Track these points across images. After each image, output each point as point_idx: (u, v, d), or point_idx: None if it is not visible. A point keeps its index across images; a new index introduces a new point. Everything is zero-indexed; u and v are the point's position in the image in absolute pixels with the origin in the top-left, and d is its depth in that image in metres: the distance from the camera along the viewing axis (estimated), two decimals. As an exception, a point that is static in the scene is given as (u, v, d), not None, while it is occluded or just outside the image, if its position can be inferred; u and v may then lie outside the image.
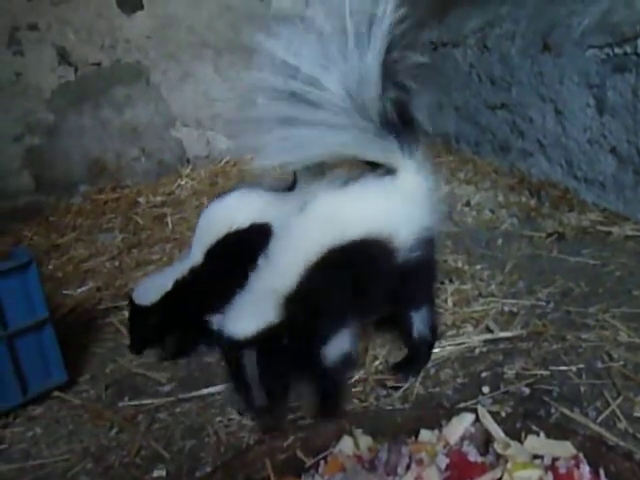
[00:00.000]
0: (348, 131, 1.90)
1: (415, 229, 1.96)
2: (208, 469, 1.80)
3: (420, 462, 1.48)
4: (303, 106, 1.87)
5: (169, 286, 2.29)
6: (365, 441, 1.61)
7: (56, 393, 2.29)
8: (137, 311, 2.31)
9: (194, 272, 2.32)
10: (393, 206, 1.96)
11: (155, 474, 1.85)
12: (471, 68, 3.92)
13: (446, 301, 2.50)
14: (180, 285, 2.31)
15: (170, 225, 3.72)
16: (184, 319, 2.36)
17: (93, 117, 4.45)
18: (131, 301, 2.31)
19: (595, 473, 1.43)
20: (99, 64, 4.40)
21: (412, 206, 1.98)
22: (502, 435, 1.54)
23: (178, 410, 2.14)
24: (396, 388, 2.05)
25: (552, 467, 1.46)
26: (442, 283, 2.63)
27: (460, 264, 2.78)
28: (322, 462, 1.61)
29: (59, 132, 4.39)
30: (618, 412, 1.81)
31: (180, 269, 2.34)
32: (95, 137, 4.50)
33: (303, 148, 1.92)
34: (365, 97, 1.88)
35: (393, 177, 1.98)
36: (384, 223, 1.92)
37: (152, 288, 2.31)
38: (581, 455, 1.46)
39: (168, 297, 2.28)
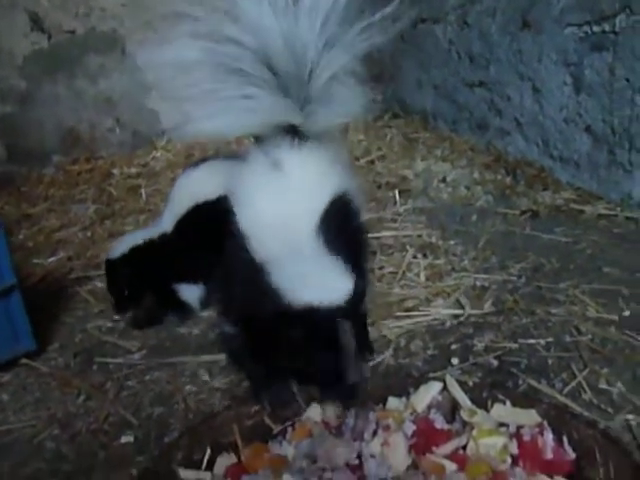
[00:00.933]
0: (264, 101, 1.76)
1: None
2: (176, 435, 1.79)
3: (387, 428, 1.49)
4: (229, 74, 1.76)
5: (138, 242, 2.35)
6: (334, 408, 1.61)
7: (24, 360, 2.26)
8: (108, 265, 2.37)
9: (163, 238, 2.35)
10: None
11: (123, 440, 1.84)
12: (450, 45, 3.90)
13: (419, 275, 2.51)
14: (149, 245, 2.35)
15: (144, 197, 3.68)
16: (152, 281, 2.38)
17: (67, 86, 4.37)
18: (106, 258, 2.38)
19: (559, 440, 1.46)
20: (73, 32, 4.32)
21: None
22: (468, 403, 1.56)
23: (147, 378, 2.12)
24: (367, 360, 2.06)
25: (517, 434, 1.48)
26: (415, 257, 2.64)
27: (434, 239, 2.79)
28: (289, 429, 1.62)
29: (32, 100, 4.30)
30: (584, 384, 1.83)
31: (151, 232, 2.39)
32: (69, 107, 4.41)
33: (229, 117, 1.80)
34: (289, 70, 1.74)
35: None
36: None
37: (123, 244, 2.38)
38: (545, 423, 1.48)
39: (135, 252, 2.33)
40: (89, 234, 3.33)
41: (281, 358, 1.59)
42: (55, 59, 4.29)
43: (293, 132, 1.82)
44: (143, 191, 3.74)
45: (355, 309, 1.53)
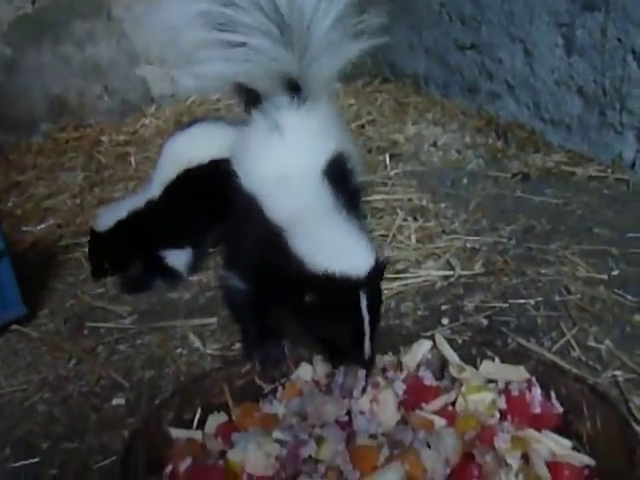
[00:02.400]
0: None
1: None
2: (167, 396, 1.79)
3: (376, 385, 1.50)
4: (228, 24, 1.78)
5: (123, 215, 2.32)
6: (324, 366, 1.62)
7: (14, 327, 2.27)
8: (93, 237, 2.36)
9: (150, 205, 2.34)
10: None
11: (114, 402, 1.85)
12: (441, 7, 3.84)
13: (409, 238, 2.50)
14: (134, 216, 2.33)
15: (133, 164, 3.65)
16: (139, 250, 2.38)
17: (53, 53, 4.29)
18: (91, 228, 2.36)
19: (547, 395, 1.47)
20: (58, -4, 4.23)
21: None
22: (457, 360, 1.57)
23: (138, 342, 2.13)
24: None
25: (505, 390, 1.49)
26: (406, 220, 2.63)
27: (425, 202, 2.78)
28: (280, 388, 1.62)
29: (18, 68, 4.23)
30: (573, 342, 1.85)
31: (137, 200, 2.37)
32: (56, 74, 4.34)
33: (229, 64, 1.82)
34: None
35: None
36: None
37: (109, 216, 2.35)
38: (533, 378, 1.50)
39: (121, 226, 2.31)
40: (78, 201, 3.30)
41: (292, 321, 1.61)
42: (40, 25, 4.21)
43: (291, 88, 1.82)
44: (132, 158, 3.70)
45: (375, 281, 1.53)
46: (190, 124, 2.48)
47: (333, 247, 1.49)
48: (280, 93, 1.83)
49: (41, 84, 4.31)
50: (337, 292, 1.43)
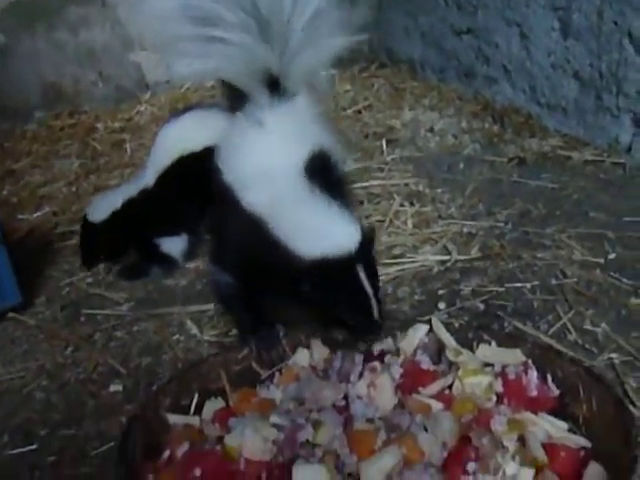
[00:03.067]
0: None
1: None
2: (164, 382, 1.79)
3: (373, 370, 1.50)
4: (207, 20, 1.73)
5: (118, 205, 2.32)
6: (322, 352, 1.62)
7: (11, 314, 2.27)
8: (86, 227, 2.36)
9: (144, 193, 2.33)
10: None
11: (112, 389, 1.85)
12: (438, -9, 3.83)
13: (406, 223, 2.50)
14: (128, 205, 2.33)
15: (129, 151, 3.63)
16: (133, 239, 2.39)
17: (47, 39, 4.25)
18: (84, 217, 2.35)
19: (543, 378, 1.47)
20: (51, -19, 4.19)
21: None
22: (454, 343, 1.57)
23: (135, 329, 2.13)
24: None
25: (502, 373, 1.50)
26: (402, 206, 2.63)
27: (421, 187, 2.78)
28: (277, 373, 1.63)
29: (11, 54, 4.19)
30: (569, 325, 1.85)
31: (130, 189, 2.36)
32: (50, 60, 4.30)
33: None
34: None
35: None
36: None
37: (102, 206, 2.35)
38: (530, 362, 1.50)
39: (116, 216, 2.32)
40: (74, 189, 3.29)
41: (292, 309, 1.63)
42: (33, 11, 4.17)
43: (272, 84, 1.81)
44: (128, 145, 3.68)
45: (366, 251, 1.54)
46: (184, 111, 2.46)
47: (318, 231, 1.51)
48: (261, 89, 1.80)
49: (35, 71, 4.28)
50: (332, 274, 1.45)
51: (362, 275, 1.47)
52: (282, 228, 1.54)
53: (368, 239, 1.54)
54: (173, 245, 2.43)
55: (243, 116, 1.81)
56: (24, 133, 4.10)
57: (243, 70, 1.79)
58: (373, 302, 1.49)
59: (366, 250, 1.53)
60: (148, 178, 2.34)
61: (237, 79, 1.84)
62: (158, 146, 2.38)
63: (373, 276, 1.52)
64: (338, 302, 1.50)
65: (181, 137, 2.32)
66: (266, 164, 1.68)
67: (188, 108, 2.54)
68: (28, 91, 4.28)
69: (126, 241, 2.41)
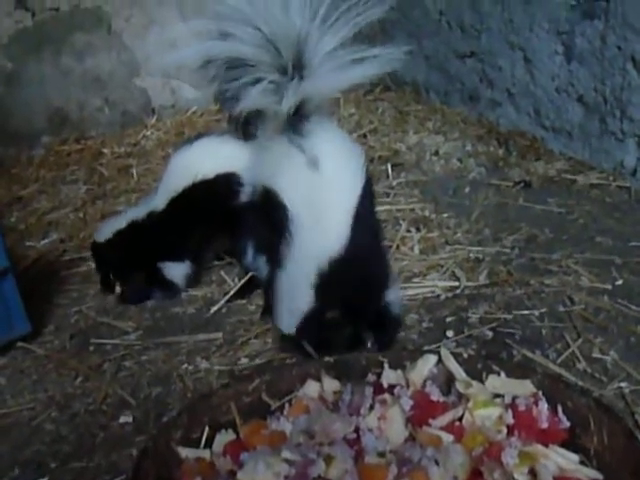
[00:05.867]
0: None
1: None
2: (175, 414, 1.79)
3: (384, 402, 1.50)
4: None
5: (123, 225, 2.39)
6: (331, 384, 1.63)
7: (20, 344, 2.26)
8: (94, 247, 2.47)
9: (152, 217, 2.36)
10: None
11: (122, 420, 1.85)
12: (441, 15, 3.85)
13: (412, 249, 2.51)
14: (134, 226, 2.38)
15: (135, 176, 3.65)
16: (137, 261, 2.43)
17: (53, 65, 4.30)
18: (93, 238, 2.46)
19: (553, 409, 1.47)
20: (57, 9, 4.23)
21: None
22: (464, 375, 1.57)
23: (144, 358, 2.13)
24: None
25: (512, 405, 1.49)
26: (409, 231, 2.64)
27: (427, 213, 2.79)
28: (287, 405, 1.63)
29: (18, 81, 4.24)
30: (578, 353, 1.85)
31: (138, 212, 2.41)
32: (56, 86, 4.34)
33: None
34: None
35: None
36: None
37: (109, 226, 2.43)
38: (540, 393, 1.50)
39: (120, 235, 2.38)
40: (81, 215, 3.30)
41: None
42: (40, 38, 4.22)
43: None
44: (134, 170, 3.70)
45: None
46: (197, 137, 2.49)
47: None
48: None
49: (42, 97, 4.32)
50: None
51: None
52: None
53: None
54: (176, 270, 2.45)
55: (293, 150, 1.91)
56: (31, 159, 4.13)
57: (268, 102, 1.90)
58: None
59: None
60: (158, 202, 2.37)
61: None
62: (170, 171, 2.40)
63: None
64: None
65: (194, 163, 2.35)
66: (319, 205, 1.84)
67: (200, 135, 2.56)
68: (34, 117, 4.32)
69: (130, 260, 2.44)
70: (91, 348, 2.24)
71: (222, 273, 2.54)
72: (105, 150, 4.09)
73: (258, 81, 1.85)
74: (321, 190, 1.86)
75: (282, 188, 1.91)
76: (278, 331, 1.97)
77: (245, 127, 2.06)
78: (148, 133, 4.26)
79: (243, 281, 2.34)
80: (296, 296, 1.83)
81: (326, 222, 1.82)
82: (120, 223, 2.40)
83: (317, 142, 1.92)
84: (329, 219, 1.82)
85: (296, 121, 1.93)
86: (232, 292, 2.37)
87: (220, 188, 2.25)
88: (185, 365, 2.06)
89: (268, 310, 2.24)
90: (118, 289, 2.51)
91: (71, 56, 4.34)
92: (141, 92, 4.52)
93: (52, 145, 4.26)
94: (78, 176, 3.80)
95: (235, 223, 2.20)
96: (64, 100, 4.37)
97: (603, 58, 2.80)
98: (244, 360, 2.02)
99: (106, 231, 2.42)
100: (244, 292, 2.37)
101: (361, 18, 1.85)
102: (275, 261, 1.92)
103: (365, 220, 1.90)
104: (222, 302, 2.35)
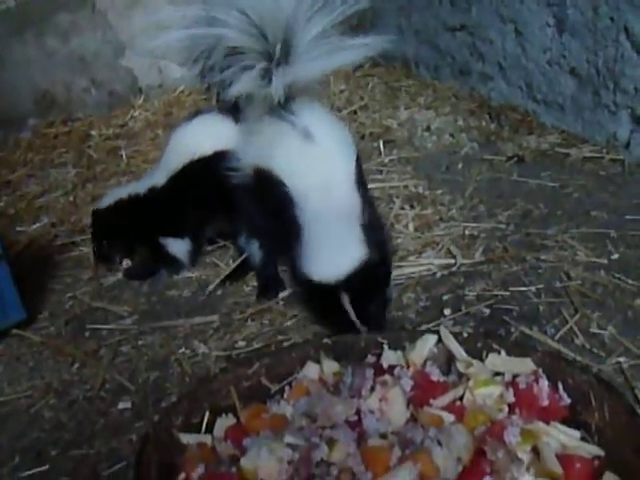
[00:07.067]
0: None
1: None
2: (174, 399, 1.79)
3: (384, 384, 1.50)
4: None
5: (124, 196, 2.42)
6: (331, 366, 1.62)
7: (15, 331, 2.25)
8: (94, 215, 2.49)
9: (153, 192, 2.38)
10: None
11: (120, 406, 1.85)
12: (430, -12, 3.81)
13: (407, 226, 2.50)
14: (135, 199, 2.41)
15: (125, 158, 3.61)
16: (139, 235, 2.45)
17: (38, 46, 4.23)
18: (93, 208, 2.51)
19: (554, 387, 1.47)
20: (40, -11, 4.16)
21: None
22: (464, 354, 1.56)
23: (141, 343, 2.12)
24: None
25: (512, 383, 1.49)
26: (403, 209, 2.63)
27: (421, 189, 2.77)
28: (287, 388, 1.62)
29: (2, 64, 4.16)
30: (575, 329, 1.85)
31: (139, 185, 2.45)
32: (41, 68, 4.28)
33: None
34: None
35: None
36: None
37: (110, 196, 2.48)
38: (540, 370, 1.50)
39: (121, 204, 2.41)
40: (71, 199, 3.27)
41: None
42: (23, 19, 4.14)
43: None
44: (123, 152, 3.66)
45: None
46: (196, 114, 2.48)
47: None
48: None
49: (27, 79, 4.26)
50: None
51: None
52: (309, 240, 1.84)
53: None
54: (179, 247, 2.45)
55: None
56: (18, 142, 4.08)
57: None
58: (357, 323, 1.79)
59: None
60: (158, 177, 2.39)
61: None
62: (171, 147, 2.41)
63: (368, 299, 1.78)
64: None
65: (193, 140, 2.35)
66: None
67: (200, 111, 2.54)
68: (20, 99, 4.26)
69: (130, 232, 2.46)
70: (87, 334, 2.22)
71: (217, 255, 2.53)
72: (93, 132, 4.05)
73: (246, 67, 1.86)
74: (320, 160, 1.90)
75: (279, 165, 1.92)
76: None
77: (234, 109, 2.08)
78: (136, 114, 4.22)
79: (239, 261, 2.35)
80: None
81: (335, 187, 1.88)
82: (122, 194, 2.45)
83: (308, 118, 1.94)
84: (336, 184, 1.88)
85: (285, 102, 1.94)
86: (228, 272, 2.38)
87: (218, 165, 2.23)
88: (182, 349, 2.05)
89: (263, 292, 2.24)
90: (124, 264, 2.53)
91: (55, 37, 4.28)
92: (127, 72, 4.46)
93: (39, 128, 4.21)
94: (67, 159, 3.76)
95: (232, 202, 2.19)
96: (50, 82, 4.31)
97: (595, 29, 2.78)
98: (241, 343, 2.02)
99: (108, 200, 2.47)
100: (239, 274, 2.36)
101: (347, 6, 1.86)
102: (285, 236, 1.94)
103: (363, 193, 1.93)
104: (217, 281, 2.36)
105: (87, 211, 3.05)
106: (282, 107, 1.94)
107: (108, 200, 2.47)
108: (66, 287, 2.53)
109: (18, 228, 3.04)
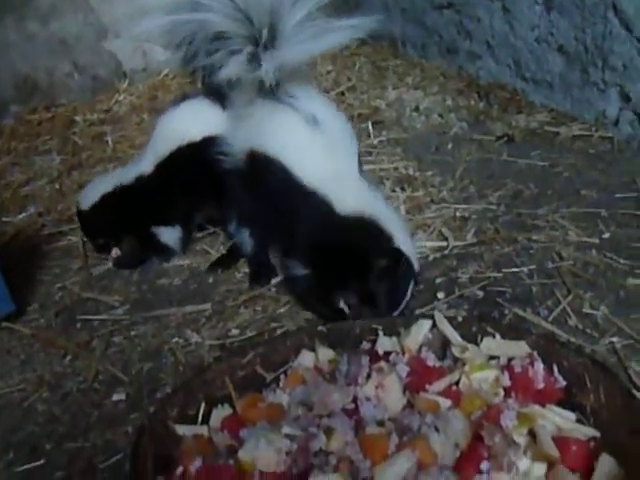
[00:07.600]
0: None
1: None
2: (168, 390, 1.79)
3: (380, 370, 1.50)
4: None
5: (109, 189, 2.35)
6: (326, 354, 1.62)
7: (4, 324, 2.23)
8: (80, 215, 2.44)
9: (141, 180, 2.32)
10: None
11: (115, 398, 1.83)
12: (416, -34, 3.77)
13: (398, 208, 2.48)
14: (122, 190, 2.34)
15: (110, 144, 3.56)
16: (128, 225, 2.41)
17: (17, 31, 4.13)
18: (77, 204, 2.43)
19: (549, 369, 1.47)
20: (18, -29, 4.06)
21: None
22: (459, 339, 1.56)
23: (133, 333, 2.10)
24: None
25: (508, 366, 1.50)
26: (394, 191, 2.62)
27: (411, 171, 2.76)
28: (282, 376, 1.61)
29: (-18, 48, 4.09)
30: (568, 309, 1.86)
31: (125, 175, 2.37)
32: (22, 53, 4.18)
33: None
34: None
35: None
36: None
37: (94, 191, 2.39)
38: (535, 353, 1.50)
39: (106, 199, 2.35)
40: (57, 187, 3.22)
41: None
42: (1, 2, 4.05)
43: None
44: (109, 138, 3.61)
45: None
46: (183, 99, 2.42)
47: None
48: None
49: (7, 64, 4.17)
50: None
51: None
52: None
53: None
54: (170, 235, 2.42)
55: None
56: (1, 130, 4.00)
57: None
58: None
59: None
60: (145, 165, 2.34)
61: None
62: (157, 134, 2.36)
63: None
64: None
65: (181, 126, 2.30)
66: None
67: (186, 96, 2.48)
68: (1, 85, 4.18)
69: (120, 227, 2.42)
70: (78, 325, 2.20)
71: (208, 242, 2.51)
72: (77, 118, 3.99)
73: (233, 51, 1.84)
74: (327, 147, 1.90)
75: (281, 149, 1.91)
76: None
77: (218, 94, 2.06)
78: (120, 98, 4.15)
79: (228, 247, 2.35)
80: None
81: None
82: (106, 187, 2.37)
83: (307, 101, 1.94)
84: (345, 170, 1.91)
85: (275, 85, 1.92)
86: (218, 256, 2.40)
87: (207, 151, 2.19)
88: (175, 338, 2.03)
89: (255, 278, 2.22)
90: (113, 252, 2.50)
91: (35, 20, 4.18)
92: (111, 56, 4.38)
93: (22, 114, 4.13)
94: (51, 146, 3.70)
95: (222, 188, 2.16)
96: (31, 67, 4.22)
97: (584, 7, 2.76)
98: (235, 331, 2.01)
99: (91, 196, 2.38)
100: (230, 260, 2.35)
101: None
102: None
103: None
104: (207, 265, 2.37)
105: (74, 199, 3.00)
106: (273, 91, 1.91)
107: (92, 197, 2.39)
108: (55, 278, 2.50)
109: (4, 218, 2.99)
